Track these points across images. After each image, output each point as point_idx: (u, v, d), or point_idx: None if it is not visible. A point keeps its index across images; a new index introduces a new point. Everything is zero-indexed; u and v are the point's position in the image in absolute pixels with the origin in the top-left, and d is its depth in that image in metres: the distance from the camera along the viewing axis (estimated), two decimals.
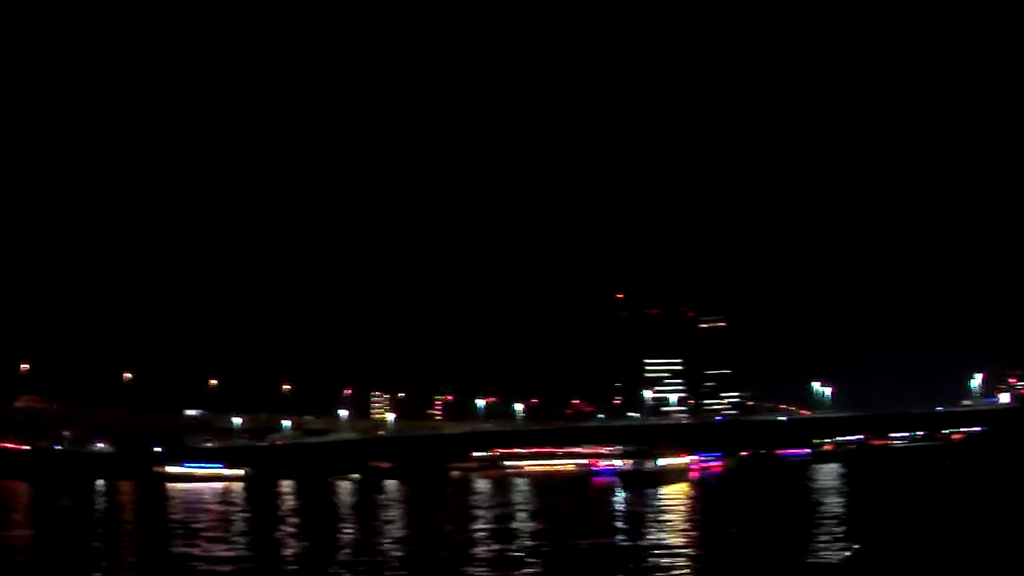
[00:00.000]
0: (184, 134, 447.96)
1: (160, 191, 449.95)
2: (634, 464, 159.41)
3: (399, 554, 62.53)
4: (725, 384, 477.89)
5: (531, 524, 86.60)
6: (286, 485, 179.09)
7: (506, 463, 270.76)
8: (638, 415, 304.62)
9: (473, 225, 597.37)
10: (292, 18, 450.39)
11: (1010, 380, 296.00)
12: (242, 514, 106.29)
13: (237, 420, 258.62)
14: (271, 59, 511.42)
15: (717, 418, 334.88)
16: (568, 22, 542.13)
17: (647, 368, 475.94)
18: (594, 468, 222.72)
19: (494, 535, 73.32)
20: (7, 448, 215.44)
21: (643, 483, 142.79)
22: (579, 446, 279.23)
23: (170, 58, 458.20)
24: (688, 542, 66.48)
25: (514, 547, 63.85)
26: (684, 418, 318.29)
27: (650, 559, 56.72)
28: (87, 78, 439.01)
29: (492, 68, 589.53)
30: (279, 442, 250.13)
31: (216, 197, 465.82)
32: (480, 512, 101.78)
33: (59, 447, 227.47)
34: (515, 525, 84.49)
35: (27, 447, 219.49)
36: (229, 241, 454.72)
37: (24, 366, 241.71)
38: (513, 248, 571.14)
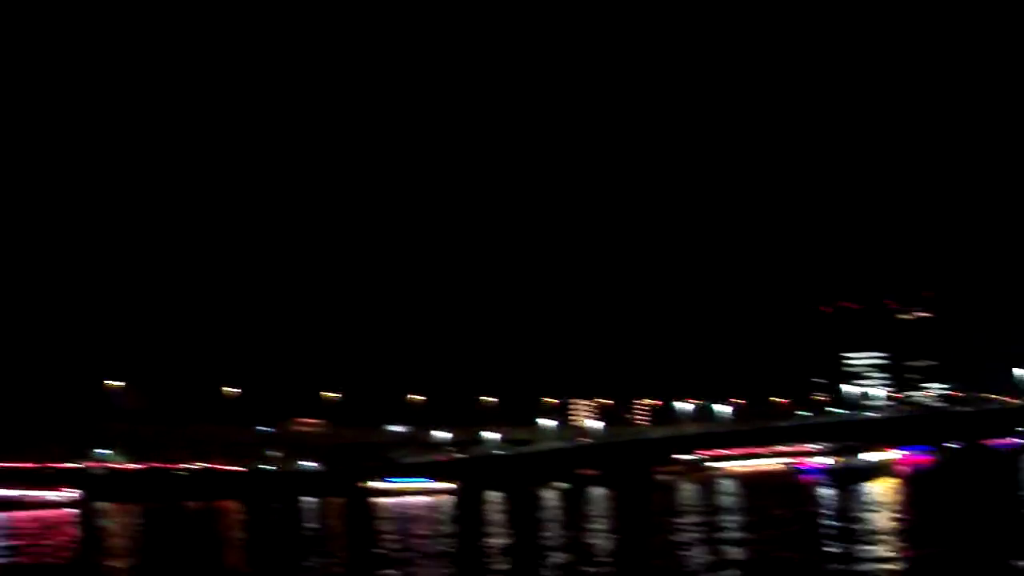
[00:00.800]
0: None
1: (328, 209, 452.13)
2: (840, 461, 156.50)
3: (612, 564, 62.16)
4: (930, 375, 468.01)
5: (739, 527, 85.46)
6: (493, 497, 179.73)
7: (711, 465, 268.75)
8: (842, 411, 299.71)
9: (668, 228, 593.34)
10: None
11: None
12: (450, 528, 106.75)
13: (442, 434, 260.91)
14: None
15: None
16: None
17: (848, 362, 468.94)
18: (800, 466, 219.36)
19: (703, 540, 72.40)
20: (220, 469, 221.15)
21: (850, 479, 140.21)
22: (783, 444, 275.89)
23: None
24: (900, 542, 64.76)
25: (724, 552, 62.98)
26: (889, 412, 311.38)
27: (864, 562, 55.46)
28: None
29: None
30: (484, 454, 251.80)
31: (392, 217, 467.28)
32: (688, 516, 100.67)
33: (268, 467, 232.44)
34: (723, 529, 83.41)
35: (239, 467, 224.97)
36: (422, 256, 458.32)
37: (233, 390, 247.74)
38: (709, 248, 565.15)
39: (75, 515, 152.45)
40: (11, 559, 79.69)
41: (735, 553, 62.92)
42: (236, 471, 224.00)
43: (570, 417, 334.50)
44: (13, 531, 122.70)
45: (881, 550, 60.24)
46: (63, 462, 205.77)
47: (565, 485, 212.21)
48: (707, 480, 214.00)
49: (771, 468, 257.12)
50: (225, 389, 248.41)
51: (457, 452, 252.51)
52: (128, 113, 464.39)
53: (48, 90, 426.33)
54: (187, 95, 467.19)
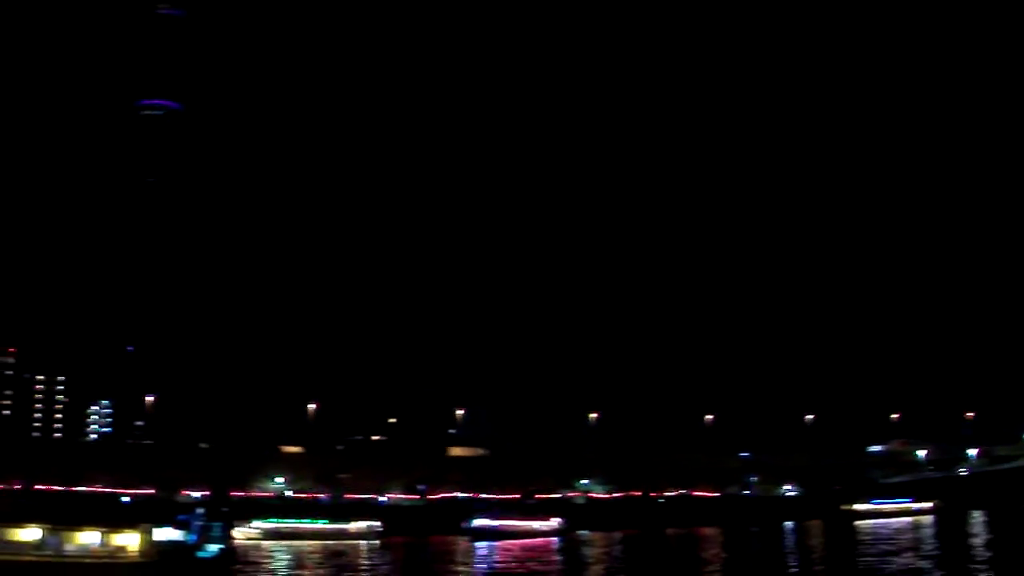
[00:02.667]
0: None
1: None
2: None
3: None
4: None
5: None
6: (976, 517, 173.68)
7: None
8: None
9: None
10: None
11: None
12: (933, 551, 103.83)
13: (922, 453, 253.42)
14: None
15: None
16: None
17: None
18: None
19: None
20: (698, 496, 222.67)
21: None
22: None
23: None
24: None
25: None
26: None
27: None
28: None
29: None
30: (966, 472, 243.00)
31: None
32: None
33: (747, 492, 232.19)
34: None
35: (716, 494, 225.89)
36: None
37: (711, 417, 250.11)
38: None
39: (557, 543, 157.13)
40: None
41: None
42: (714, 497, 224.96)
43: None
44: (501, 559, 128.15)
45: None
46: (547, 493, 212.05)
47: None
48: None
49: None
50: (705, 416, 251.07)
51: (937, 471, 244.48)
52: None
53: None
54: None
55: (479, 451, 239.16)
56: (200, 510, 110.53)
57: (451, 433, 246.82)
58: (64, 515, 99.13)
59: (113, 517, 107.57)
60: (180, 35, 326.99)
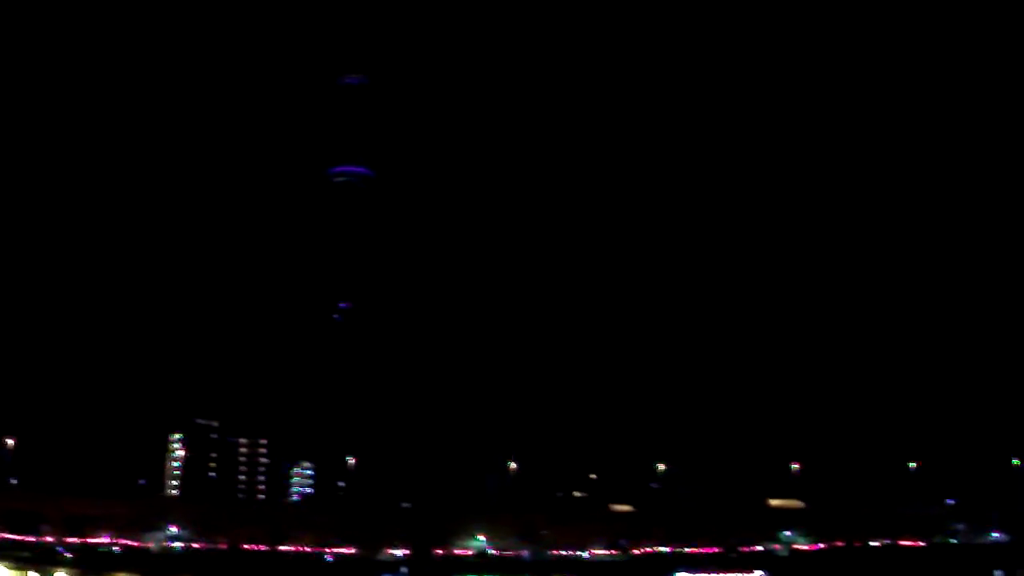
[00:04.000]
0: None
1: None
2: None
3: None
4: None
5: None
6: None
7: None
8: None
9: None
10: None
11: None
12: None
13: None
14: None
15: None
16: None
17: None
18: None
19: None
20: (905, 545, 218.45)
21: None
22: None
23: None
24: None
25: None
26: None
27: None
28: None
29: None
30: None
31: None
32: None
33: (954, 540, 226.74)
34: None
35: (922, 543, 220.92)
36: None
37: (912, 463, 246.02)
38: None
39: None
40: None
41: None
42: (920, 546, 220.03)
43: None
44: None
45: None
46: (749, 545, 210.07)
47: None
48: None
49: None
50: (909, 463, 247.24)
51: None
52: None
53: None
54: None
55: (796, 503, 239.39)
56: (403, 569, 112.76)
57: (652, 487, 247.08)
58: (269, 574, 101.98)
59: None
60: (364, 102, 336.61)
